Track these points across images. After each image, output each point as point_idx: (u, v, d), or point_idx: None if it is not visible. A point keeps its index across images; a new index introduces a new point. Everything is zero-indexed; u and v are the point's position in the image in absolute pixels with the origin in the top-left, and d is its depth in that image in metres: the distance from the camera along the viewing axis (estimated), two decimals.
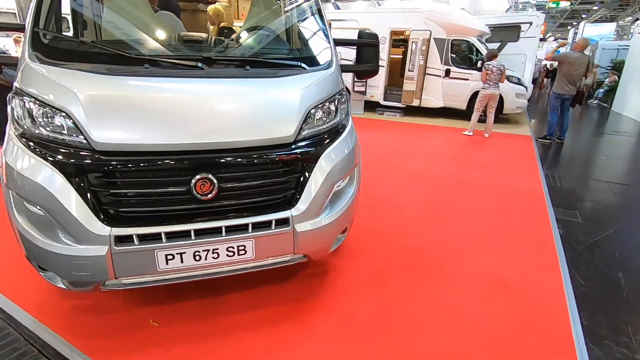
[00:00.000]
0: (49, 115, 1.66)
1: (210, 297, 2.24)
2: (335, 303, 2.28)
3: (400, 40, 10.48)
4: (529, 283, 2.55)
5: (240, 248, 1.85)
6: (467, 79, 8.90)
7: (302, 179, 1.95)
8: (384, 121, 9.05)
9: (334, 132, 2.17)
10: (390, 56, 10.17)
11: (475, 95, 8.91)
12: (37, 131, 1.67)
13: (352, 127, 2.38)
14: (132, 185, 1.69)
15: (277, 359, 1.86)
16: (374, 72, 2.93)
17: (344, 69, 2.87)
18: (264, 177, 1.87)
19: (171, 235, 1.73)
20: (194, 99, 1.83)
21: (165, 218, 1.74)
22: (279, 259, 2.00)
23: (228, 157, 1.79)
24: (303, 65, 2.31)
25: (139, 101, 1.75)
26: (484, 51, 8.63)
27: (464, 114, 8.80)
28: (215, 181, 1.75)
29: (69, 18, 2.37)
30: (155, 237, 1.71)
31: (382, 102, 9.87)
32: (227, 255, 1.84)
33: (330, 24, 3.01)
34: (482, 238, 3.16)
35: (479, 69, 8.60)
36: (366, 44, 2.82)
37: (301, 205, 1.93)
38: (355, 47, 2.86)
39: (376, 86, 9.84)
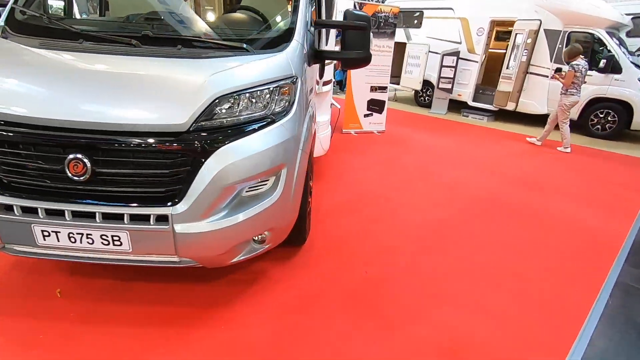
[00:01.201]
0: None
1: (125, 281, 2.20)
2: (235, 321, 1.99)
3: (505, 33, 8.94)
4: None
5: (114, 238, 1.73)
6: (585, 82, 7.09)
7: (190, 175, 1.71)
8: (463, 124, 7.90)
9: (255, 124, 1.85)
10: (489, 50, 8.79)
11: (591, 102, 7.11)
12: None
13: (294, 120, 2.01)
14: (11, 155, 1.70)
15: None
16: (363, 60, 2.47)
17: (327, 55, 2.48)
18: (145, 166, 1.70)
19: (49, 213, 1.70)
20: (86, 75, 1.77)
21: (44, 194, 1.72)
22: (163, 258, 1.82)
23: (105, 139, 1.66)
24: (247, 47, 2.03)
25: (35, 74, 1.77)
26: (616, 48, 6.75)
27: (572, 125, 7.06)
28: (88, 163, 1.65)
29: None
30: (32, 211, 1.70)
31: (471, 103, 8.62)
32: (102, 243, 1.74)
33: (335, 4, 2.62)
34: (473, 282, 2.42)
35: (604, 70, 6.80)
36: (352, 27, 2.37)
37: (183, 204, 1.70)
38: (341, 31, 2.43)
39: (465, 84, 8.64)
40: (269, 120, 1.91)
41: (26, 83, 1.74)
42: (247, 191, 1.88)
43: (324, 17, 3.25)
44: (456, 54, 8.42)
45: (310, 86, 2.55)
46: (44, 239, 1.74)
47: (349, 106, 6.10)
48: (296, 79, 2.09)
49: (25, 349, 1.75)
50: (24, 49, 1.90)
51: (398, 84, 9.90)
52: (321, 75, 3.34)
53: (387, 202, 3.58)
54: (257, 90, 1.89)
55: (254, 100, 1.89)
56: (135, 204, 1.71)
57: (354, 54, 2.44)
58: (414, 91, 9.83)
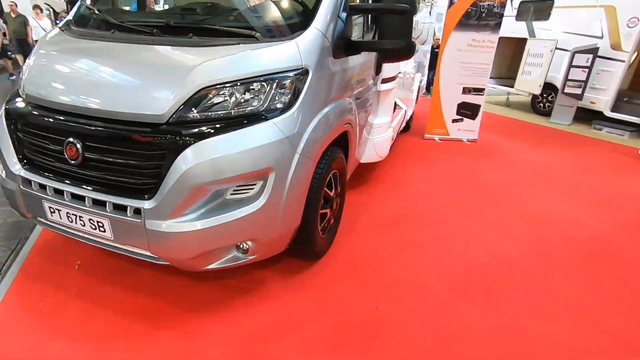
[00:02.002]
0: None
1: (135, 266, 2.26)
2: (203, 331, 1.83)
3: None
4: None
5: (99, 224, 1.75)
6: None
7: (164, 170, 1.60)
8: (592, 140, 6.26)
9: (242, 120, 1.66)
10: None
11: None
12: None
13: (293, 119, 1.77)
14: (31, 134, 1.85)
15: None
16: (403, 52, 2.06)
17: (360, 45, 2.14)
18: (126, 156, 1.66)
19: (56, 192, 1.82)
20: (94, 64, 1.83)
21: (52, 174, 1.84)
22: (142, 251, 1.77)
23: (94, 125, 1.68)
24: (257, 34, 1.84)
25: (59, 63, 1.90)
26: None
27: None
28: (80, 147, 1.69)
29: None
30: (43, 187, 1.84)
31: (608, 113, 6.83)
32: (90, 227, 1.78)
33: None
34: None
35: None
36: (390, 10, 1.98)
37: (153, 200, 1.61)
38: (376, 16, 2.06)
39: (603, 89, 6.88)
40: (260, 117, 1.69)
41: (51, 70, 1.89)
42: (231, 194, 1.70)
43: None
44: (593, 51, 6.76)
45: (343, 81, 2.22)
46: (52, 215, 1.86)
47: (435, 109, 5.42)
48: (305, 72, 1.81)
49: (25, 308, 1.92)
50: (65, 40, 2.07)
51: (511, 86, 8.52)
52: (377, 71, 2.95)
53: (439, 224, 2.99)
54: (250, 83, 1.69)
55: (246, 94, 1.69)
56: (115, 194, 1.69)
57: (391, 43, 2.03)
58: (531, 96, 8.32)
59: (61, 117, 1.74)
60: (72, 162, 1.73)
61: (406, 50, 2.03)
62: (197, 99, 1.63)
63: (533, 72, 7.86)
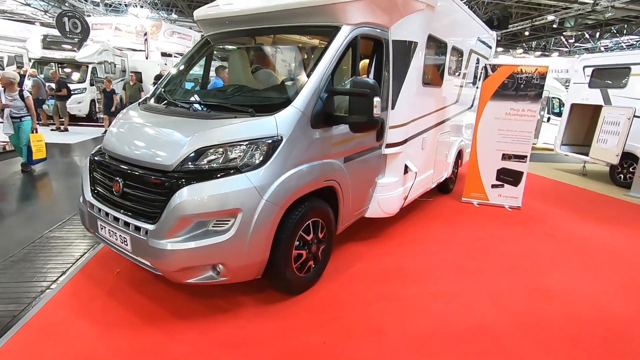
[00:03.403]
0: None
1: (156, 280, 2.91)
2: (163, 341, 2.27)
3: None
4: None
5: (124, 239, 2.44)
6: None
7: (165, 203, 2.24)
8: None
9: (223, 172, 2.26)
10: None
11: None
12: None
13: (263, 174, 2.32)
14: (98, 173, 2.71)
15: None
16: (366, 125, 2.54)
17: (333, 119, 2.68)
18: (145, 191, 2.36)
19: (105, 214, 2.60)
20: (140, 127, 2.65)
21: (105, 201, 2.63)
22: (146, 262, 2.39)
23: (130, 169, 2.45)
24: (251, 110, 2.50)
25: (123, 125, 2.81)
26: None
27: None
28: (121, 183, 2.46)
29: None
30: (99, 210, 2.64)
31: None
32: (120, 241, 2.48)
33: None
34: None
35: None
36: (355, 94, 2.50)
37: (156, 224, 2.25)
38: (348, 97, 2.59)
39: None
40: (237, 170, 2.27)
41: (116, 130, 2.80)
42: (212, 226, 2.26)
43: (390, 73, 3.33)
44: None
45: (324, 146, 2.71)
46: (101, 230, 2.64)
47: (472, 173, 5.44)
48: (280, 139, 2.37)
49: (72, 296, 2.65)
50: (135, 111, 3.00)
51: (586, 154, 7.89)
52: (378, 137, 3.37)
53: (428, 283, 3.06)
54: (234, 146, 2.30)
55: (229, 153, 2.30)
56: (137, 218, 2.38)
57: (356, 118, 2.50)
58: (609, 166, 7.57)
59: (114, 163, 2.57)
60: (116, 194, 2.50)
61: (368, 124, 2.48)
62: (194, 155, 2.30)
63: (609, 140, 7.25)
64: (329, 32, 2.82)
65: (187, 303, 2.63)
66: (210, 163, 2.30)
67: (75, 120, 11.40)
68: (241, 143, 2.32)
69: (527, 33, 21.41)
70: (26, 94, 5.92)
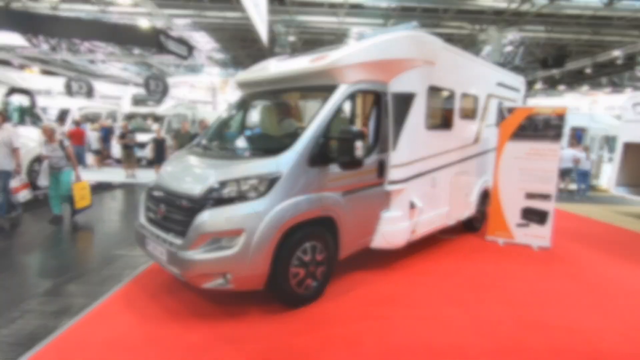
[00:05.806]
0: None
1: (187, 289, 3.57)
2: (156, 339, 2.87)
3: None
4: None
5: (161, 252, 3.16)
6: None
7: (191, 223, 2.94)
8: None
9: (234, 199, 2.92)
10: None
11: None
12: None
13: (265, 202, 2.94)
14: (149, 201, 3.53)
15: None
16: (349, 164, 3.15)
17: (326, 158, 3.26)
18: (178, 214, 3.09)
19: (151, 233, 3.38)
20: (181, 166, 3.47)
21: (152, 223, 3.42)
22: (175, 270, 3.05)
23: (169, 197, 3.22)
24: (263, 153, 3.21)
25: (170, 164, 3.67)
26: None
27: None
28: (163, 209, 3.24)
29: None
30: (146, 231, 3.43)
31: None
32: (159, 254, 3.21)
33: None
34: None
35: None
36: (342, 139, 3.09)
37: (183, 239, 2.93)
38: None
39: None
40: (245, 198, 2.91)
41: (164, 168, 3.67)
42: (225, 242, 2.89)
43: (390, 119, 3.85)
44: None
45: (321, 181, 3.26)
46: (148, 246, 3.41)
47: (495, 212, 5.50)
48: (279, 176, 3.00)
49: (122, 297, 3.39)
50: (182, 153, 3.88)
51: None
52: (380, 174, 3.84)
53: (419, 309, 3.29)
54: (244, 180, 2.97)
55: (240, 185, 2.97)
56: (171, 235, 3.10)
57: (342, 158, 3.06)
58: None
59: (160, 193, 3.38)
60: (159, 216, 3.27)
61: (352, 163, 3.02)
62: (214, 187, 2.99)
63: None
64: (330, 89, 3.48)
65: (204, 306, 3.23)
66: (228, 193, 2.97)
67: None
68: (250, 178, 2.98)
69: (588, 70, 20.44)
70: (66, 142, 5.81)
